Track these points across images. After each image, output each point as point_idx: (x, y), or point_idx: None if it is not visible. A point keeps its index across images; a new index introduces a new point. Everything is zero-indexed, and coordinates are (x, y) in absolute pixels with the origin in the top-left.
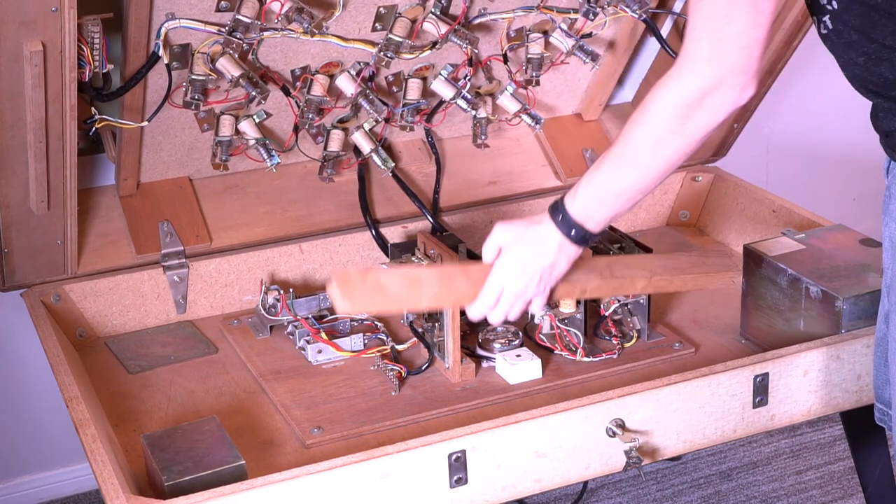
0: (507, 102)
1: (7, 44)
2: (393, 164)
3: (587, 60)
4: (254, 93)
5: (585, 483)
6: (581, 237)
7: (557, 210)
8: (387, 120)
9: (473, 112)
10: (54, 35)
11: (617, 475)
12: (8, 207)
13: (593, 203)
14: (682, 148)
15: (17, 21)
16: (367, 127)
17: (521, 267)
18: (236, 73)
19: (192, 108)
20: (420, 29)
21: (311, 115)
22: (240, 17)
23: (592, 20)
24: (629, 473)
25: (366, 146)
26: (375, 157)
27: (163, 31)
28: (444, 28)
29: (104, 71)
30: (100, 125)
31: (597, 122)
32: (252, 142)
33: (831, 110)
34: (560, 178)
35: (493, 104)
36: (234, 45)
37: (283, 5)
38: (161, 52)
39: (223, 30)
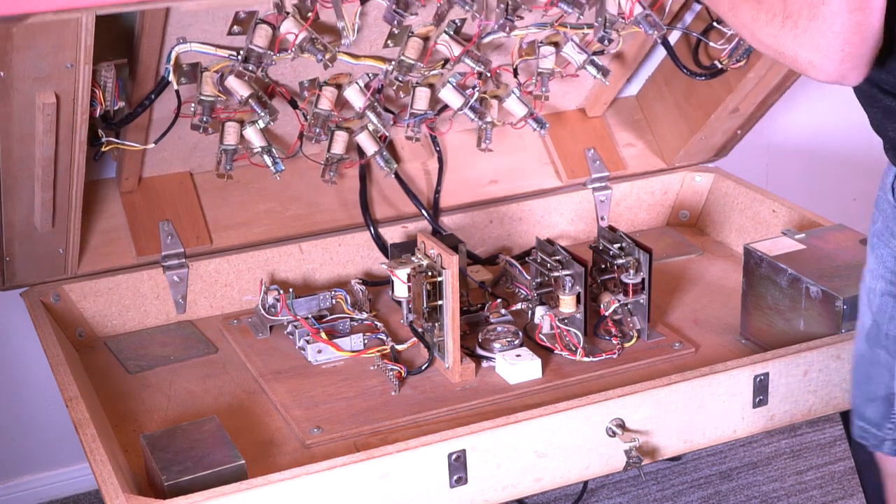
0: (514, 106)
1: (20, 96)
2: (396, 166)
3: (598, 76)
4: (262, 113)
5: (585, 483)
6: None
7: None
8: (392, 122)
9: (480, 121)
10: (68, 87)
11: (617, 475)
12: (12, 226)
13: None
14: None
15: (32, 77)
16: (370, 128)
17: None
18: (245, 93)
19: (201, 130)
20: (433, 50)
21: (317, 130)
22: (253, 46)
23: (607, 45)
24: (629, 473)
25: (370, 148)
26: (379, 159)
27: (173, 55)
28: (456, 49)
29: (115, 108)
30: (107, 148)
31: (601, 118)
32: (257, 149)
33: (831, 110)
34: (561, 178)
35: (499, 105)
36: (247, 77)
37: (297, 36)
38: (171, 78)
39: (234, 54)
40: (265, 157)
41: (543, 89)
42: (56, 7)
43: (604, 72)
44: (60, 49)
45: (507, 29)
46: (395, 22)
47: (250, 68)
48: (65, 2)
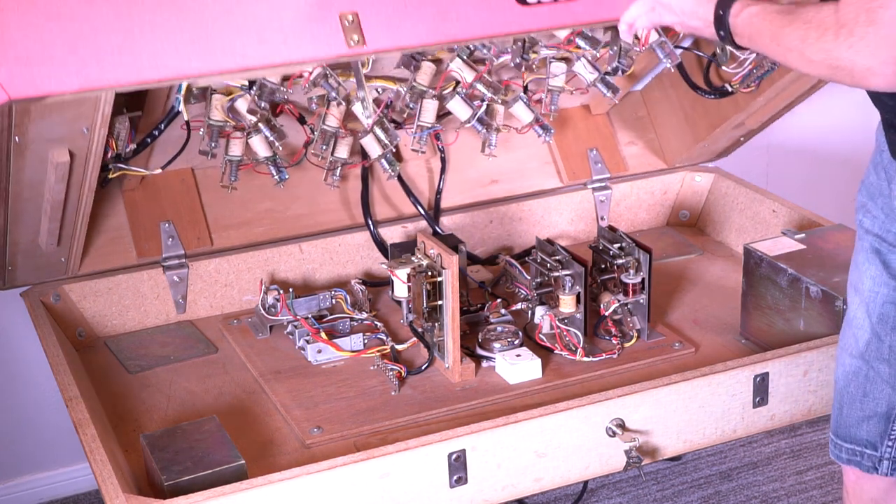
0: (521, 112)
1: (34, 155)
2: (399, 168)
3: (607, 94)
4: (271, 137)
5: (585, 483)
6: (719, 22)
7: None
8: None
9: (486, 132)
10: (82, 145)
11: (617, 475)
12: (17, 244)
13: (747, 25)
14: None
15: (46, 139)
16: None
17: None
18: (255, 118)
19: (209, 157)
20: (446, 76)
21: (323, 147)
22: (265, 81)
23: (622, 75)
24: (629, 473)
25: (375, 151)
26: (383, 162)
27: (184, 85)
28: (469, 75)
29: (126, 150)
30: (114, 175)
31: (604, 116)
32: (262, 159)
33: (832, 111)
34: (562, 178)
35: (505, 110)
36: (259, 115)
37: (311, 73)
38: (181, 108)
39: (245, 84)
40: (270, 166)
41: (553, 108)
42: (76, 89)
43: (613, 90)
44: (78, 118)
45: (523, 68)
46: (412, 67)
47: (262, 105)
48: (84, 83)
